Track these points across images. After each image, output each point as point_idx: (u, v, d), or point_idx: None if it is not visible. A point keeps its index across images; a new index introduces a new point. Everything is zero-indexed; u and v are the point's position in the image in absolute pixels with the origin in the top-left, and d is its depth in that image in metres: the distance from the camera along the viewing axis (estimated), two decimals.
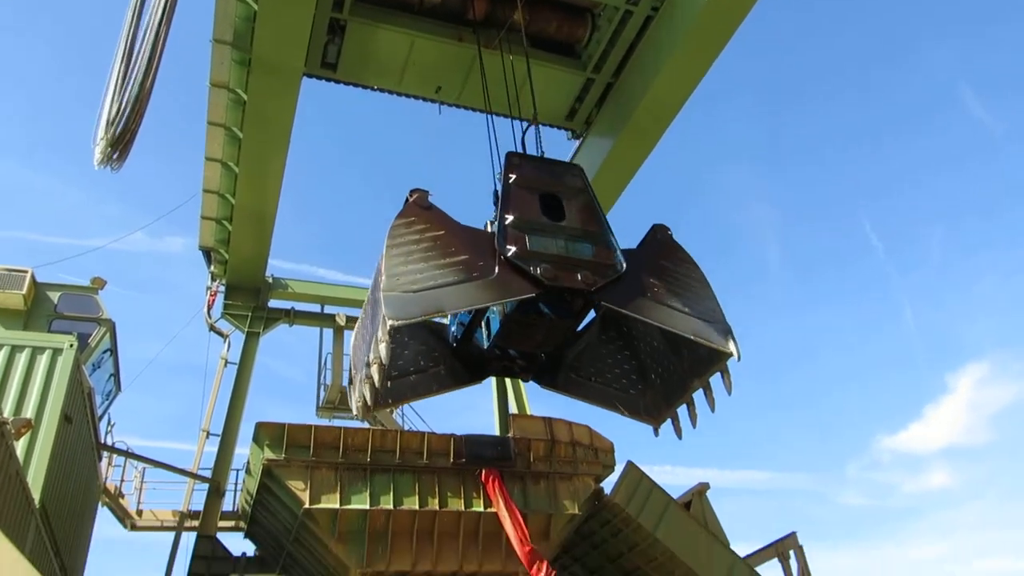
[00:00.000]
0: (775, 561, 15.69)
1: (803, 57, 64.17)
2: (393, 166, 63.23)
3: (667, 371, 8.22)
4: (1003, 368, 61.40)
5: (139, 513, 17.20)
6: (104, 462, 16.17)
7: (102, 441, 15.23)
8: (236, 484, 17.22)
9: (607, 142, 14.61)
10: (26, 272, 14.07)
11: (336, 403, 18.50)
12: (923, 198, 63.09)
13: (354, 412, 7.16)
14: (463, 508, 12.29)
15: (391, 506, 11.92)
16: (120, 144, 10.04)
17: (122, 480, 17.31)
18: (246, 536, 15.37)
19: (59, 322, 14.12)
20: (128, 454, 16.86)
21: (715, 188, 64.87)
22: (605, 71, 14.05)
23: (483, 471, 12.54)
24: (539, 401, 19.51)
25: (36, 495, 9.44)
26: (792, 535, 15.72)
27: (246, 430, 17.64)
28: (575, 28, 13.49)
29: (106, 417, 16.71)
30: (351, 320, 19.51)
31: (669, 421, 8.22)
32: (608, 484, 14.30)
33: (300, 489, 11.85)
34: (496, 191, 7.65)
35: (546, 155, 9.90)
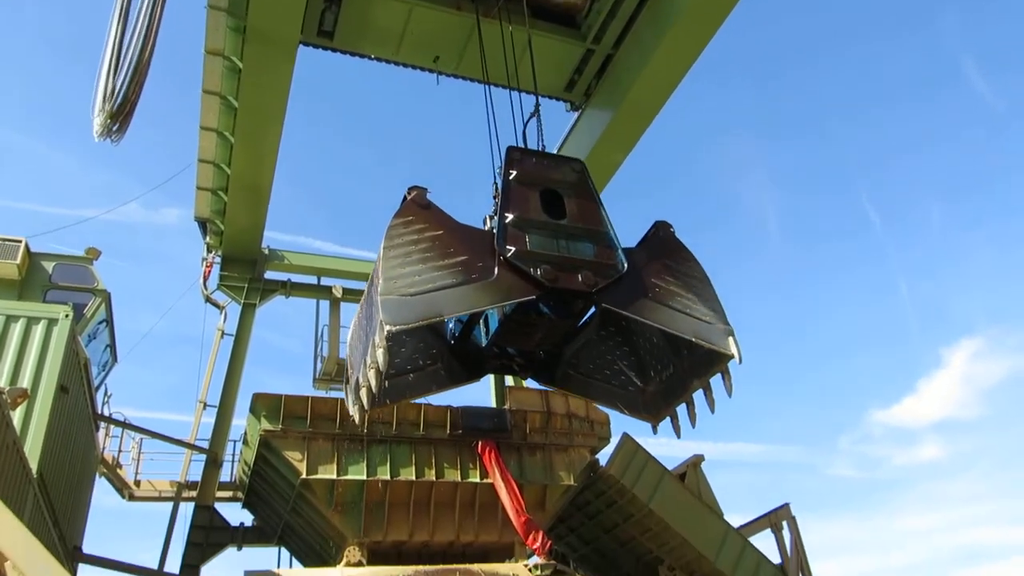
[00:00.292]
0: (768, 532, 15.86)
1: (805, 27, 63.64)
2: (392, 137, 62.82)
3: (667, 370, 8.24)
4: (997, 343, 61.81)
5: (137, 483, 17.28)
6: (101, 433, 16.20)
7: (99, 412, 15.25)
8: (234, 455, 17.31)
9: (606, 114, 14.50)
10: (20, 242, 13.98)
11: (333, 375, 18.53)
12: (922, 172, 63.00)
13: (351, 412, 7.13)
14: (460, 479, 12.38)
15: (388, 477, 12.00)
16: (120, 116, 9.93)
17: (119, 451, 17.38)
18: (244, 506, 15.48)
19: (54, 292, 14.06)
20: (125, 425, 16.90)
21: (714, 158, 64.68)
22: (605, 42, 13.89)
23: (479, 442, 12.62)
24: None
25: (33, 465, 9.46)
26: (785, 506, 15.88)
27: (243, 401, 17.69)
28: None
29: (102, 388, 16.73)
30: (348, 292, 19.49)
31: (668, 420, 8.24)
32: (604, 456, 14.42)
33: (297, 460, 11.91)
34: (496, 184, 7.55)
35: (543, 126, 9.83)
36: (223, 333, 18.30)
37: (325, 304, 19.41)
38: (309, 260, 19.68)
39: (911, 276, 64.31)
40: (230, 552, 15.78)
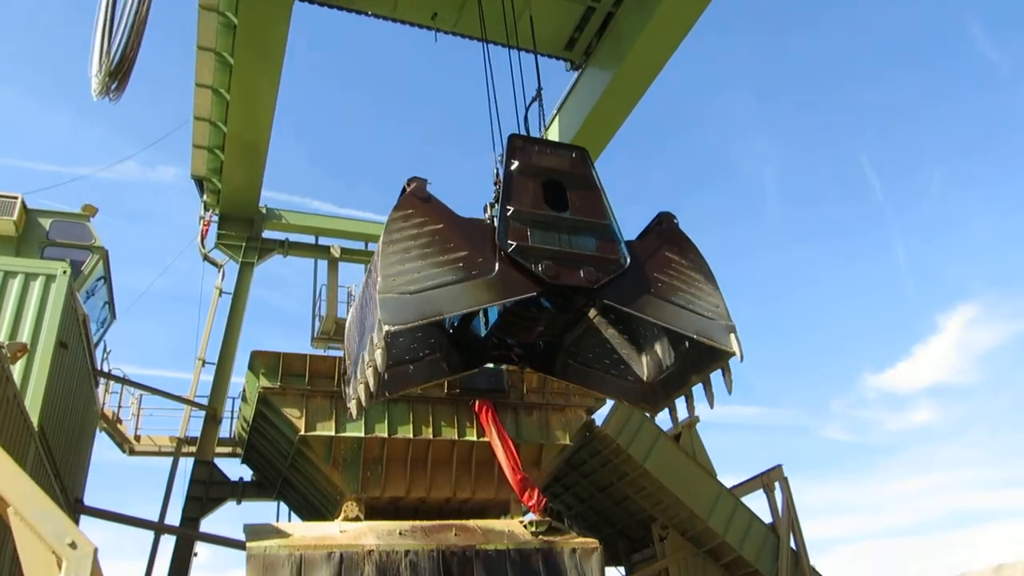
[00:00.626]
0: (761, 492, 16.10)
1: None
2: (394, 97, 62.13)
3: (668, 361, 8.26)
4: (993, 309, 62.03)
5: (137, 438, 17.46)
6: (101, 388, 16.32)
7: (98, 368, 15.34)
8: (232, 411, 17.48)
9: (607, 73, 14.34)
10: (16, 198, 13.90)
11: (331, 334, 18.61)
12: (924, 134, 62.48)
13: (349, 406, 7.13)
14: (456, 437, 12.51)
15: (386, 434, 12.13)
16: (119, 74, 9.85)
17: (119, 406, 17.53)
18: (243, 462, 15.68)
19: (51, 249, 14.02)
20: (125, 381, 17.02)
21: (714, 117, 64.07)
22: (606, 0, 13.70)
23: (477, 401, 12.72)
24: None
25: (34, 418, 9.55)
26: (777, 467, 16.09)
27: (242, 359, 17.77)
28: None
29: (102, 344, 16.80)
30: (346, 252, 19.49)
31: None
32: (600, 416, 14.56)
33: (296, 417, 12.03)
34: (497, 171, 7.44)
35: (543, 87, 9.71)
36: (221, 291, 18.34)
37: (323, 264, 19.43)
38: (307, 220, 19.63)
39: (909, 240, 64.27)
40: (230, 506, 16.04)
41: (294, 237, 19.17)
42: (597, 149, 15.96)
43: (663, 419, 13.60)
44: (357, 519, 11.36)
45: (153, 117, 56.19)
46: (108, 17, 9.93)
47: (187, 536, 14.88)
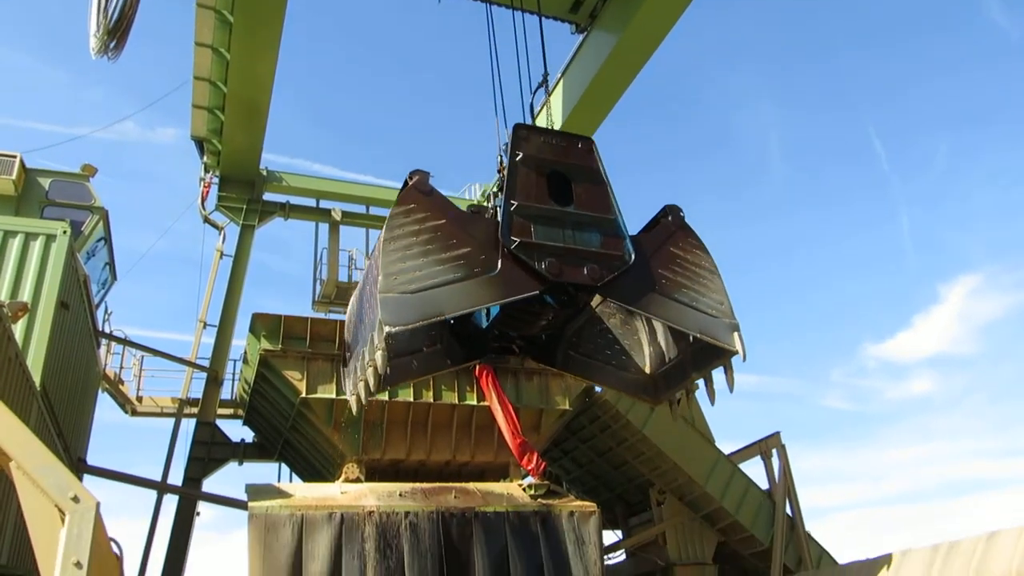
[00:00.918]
0: (758, 459, 16.21)
1: None
2: (395, 60, 61.39)
3: (670, 355, 8.22)
4: (995, 280, 61.86)
5: (139, 399, 17.56)
6: (103, 349, 16.37)
7: (99, 329, 15.36)
8: (234, 373, 17.55)
9: (612, 37, 14.13)
10: (14, 157, 13.79)
11: (332, 297, 18.62)
12: (932, 103, 61.70)
13: (348, 398, 7.09)
14: (457, 401, 12.57)
15: (386, 397, 12.18)
16: (117, 33, 9.71)
17: (121, 367, 17.61)
18: (244, 423, 15.78)
19: (51, 209, 13.94)
20: (126, 342, 17.07)
21: (718, 82, 63.21)
22: None
23: (477, 366, 12.76)
24: None
25: (36, 378, 9.57)
26: (775, 435, 16.18)
27: (243, 322, 17.80)
28: None
29: (103, 306, 16.80)
30: (347, 215, 19.42)
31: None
32: None
33: (297, 379, 12.07)
34: (500, 158, 7.29)
35: (546, 50, 9.54)
36: (222, 254, 18.31)
37: (324, 227, 19.37)
38: (308, 182, 19.52)
39: (913, 209, 63.86)
40: (231, 467, 16.20)
41: (295, 200, 19.09)
42: (600, 114, 15.80)
43: None
44: (358, 481, 11.45)
45: (152, 77, 55.58)
46: None
47: (189, 496, 15.05)
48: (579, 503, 11.56)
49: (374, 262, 6.34)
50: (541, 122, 15.21)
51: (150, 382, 18.10)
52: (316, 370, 12.24)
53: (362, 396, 6.71)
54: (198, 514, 15.29)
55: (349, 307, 7.75)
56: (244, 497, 10.51)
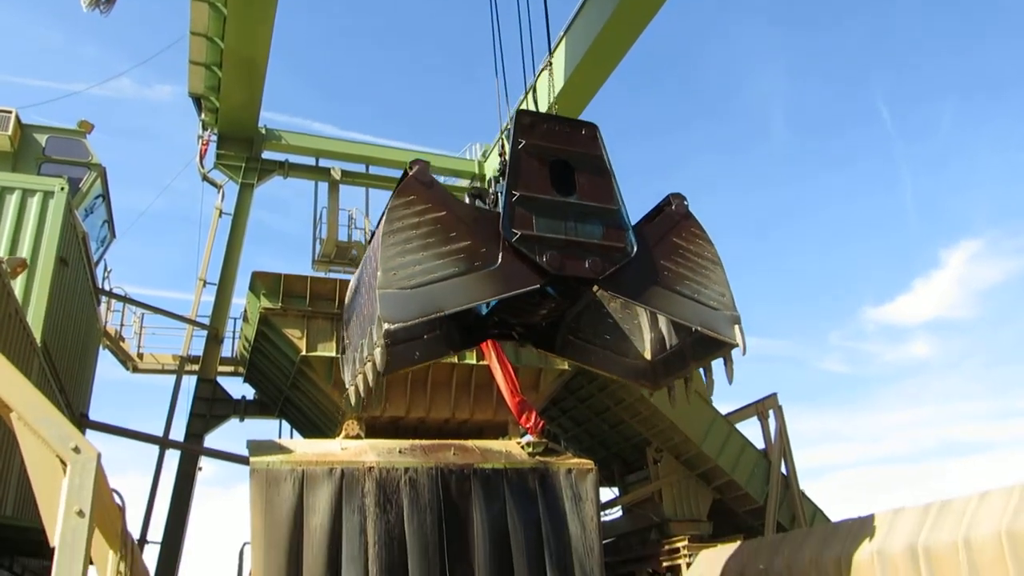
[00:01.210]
0: (755, 419, 16.36)
1: None
2: (394, 21, 60.42)
3: (670, 342, 8.20)
4: (996, 245, 61.73)
5: (140, 356, 17.66)
6: (103, 307, 16.41)
7: (99, 286, 15.38)
8: (234, 331, 17.62)
9: None
10: (10, 112, 13.65)
11: (331, 256, 18.61)
12: (940, 69, 60.89)
13: (348, 391, 7.06)
14: (456, 360, 12.63)
15: None
16: None
17: (121, 325, 17.66)
18: (245, 380, 15.89)
19: (48, 165, 13.85)
20: (126, 299, 17.12)
21: (724, 43, 62.30)
22: None
23: None
24: None
25: (37, 334, 9.61)
26: (772, 396, 16.31)
27: (243, 280, 17.81)
28: None
29: (102, 263, 16.80)
30: (346, 174, 19.29)
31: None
32: None
33: (297, 337, 12.12)
34: (503, 143, 7.14)
35: (548, 7, 9.36)
36: (221, 212, 18.24)
37: (324, 186, 19.26)
38: (307, 141, 19.35)
39: (916, 173, 63.44)
40: (232, 423, 16.37)
41: (294, 158, 18.94)
42: (602, 75, 15.60)
43: None
44: (358, 437, 11.57)
45: (148, 34, 54.78)
46: None
47: (191, 451, 15.23)
48: (577, 461, 11.68)
49: (373, 253, 6.25)
50: (542, 82, 15.02)
51: (151, 339, 18.25)
52: (316, 328, 12.29)
53: (360, 390, 6.74)
54: (200, 469, 15.48)
55: (348, 290, 7.70)
56: (245, 453, 10.63)
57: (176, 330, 18.17)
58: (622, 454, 17.08)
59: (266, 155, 18.42)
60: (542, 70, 14.84)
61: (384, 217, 6.16)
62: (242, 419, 16.33)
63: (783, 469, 15.76)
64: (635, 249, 6.78)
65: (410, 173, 6.40)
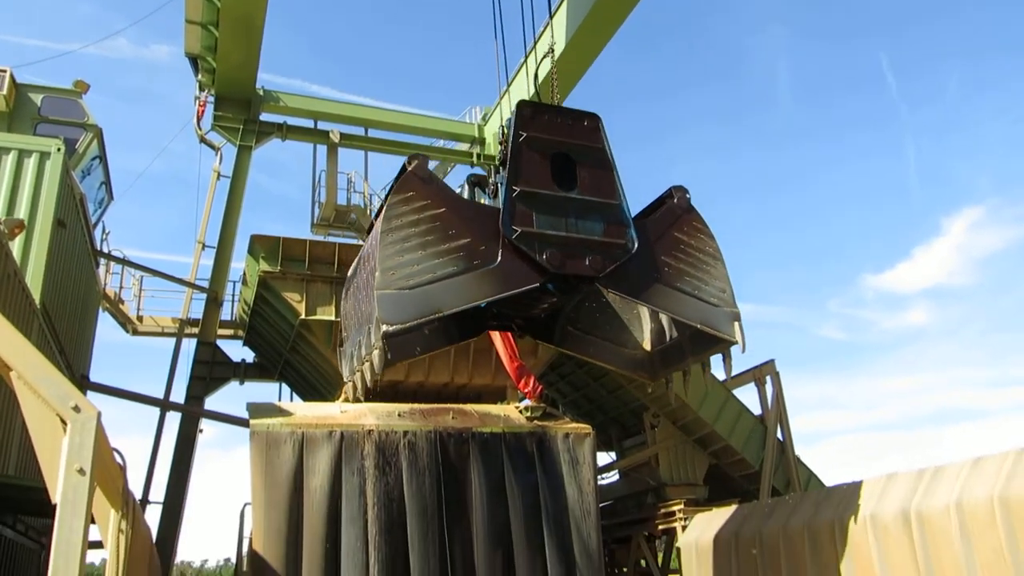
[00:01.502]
0: (752, 386, 16.46)
1: None
2: None
3: (669, 335, 8.17)
4: (998, 213, 61.68)
5: (140, 319, 17.70)
6: (102, 269, 16.40)
7: (98, 248, 15.35)
8: (233, 295, 17.64)
9: None
10: (4, 71, 13.47)
11: (330, 220, 18.54)
12: (945, 33, 60.13)
13: (346, 386, 7.05)
14: None
15: None
16: None
17: (121, 287, 17.67)
18: (245, 344, 15.94)
19: (44, 126, 13.70)
20: (125, 262, 17.09)
21: (730, 8, 61.49)
22: None
23: None
24: None
25: (36, 296, 9.61)
26: (770, 362, 16.39)
27: (241, 244, 17.78)
28: None
29: (100, 225, 16.74)
30: (345, 137, 19.12)
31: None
32: None
33: (296, 301, 12.13)
34: (503, 131, 7.00)
35: None
36: (219, 175, 18.14)
37: (322, 149, 19.11)
38: (306, 103, 19.15)
39: (920, 140, 63.13)
40: (232, 386, 16.47)
41: (292, 121, 18.76)
42: (605, 36, 15.38)
43: None
44: (357, 401, 11.62)
45: None
46: None
47: (192, 413, 15.33)
48: (574, 425, 11.76)
49: (371, 251, 6.19)
50: (543, 43, 14.81)
51: (150, 302, 18.26)
52: (315, 292, 12.29)
53: (359, 388, 6.78)
54: (201, 431, 15.60)
55: (348, 276, 7.66)
56: (246, 415, 10.70)
57: (175, 293, 18.21)
58: (620, 419, 17.21)
59: (264, 117, 18.25)
60: (542, 32, 14.64)
61: (382, 214, 6.09)
62: (242, 382, 16.42)
63: (779, 435, 15.89)
64: (636, 245, 6.75)
65: (408, 168, 6.31)
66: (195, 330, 16.66)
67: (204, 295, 16.69)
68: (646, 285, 6.81)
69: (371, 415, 10.90)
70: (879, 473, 8.79)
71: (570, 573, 10.34)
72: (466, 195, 7.57)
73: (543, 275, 6.29)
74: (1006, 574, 6.57)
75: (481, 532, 9.92)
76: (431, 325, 7.61)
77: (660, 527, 14.51)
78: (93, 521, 3.86)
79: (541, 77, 15.22)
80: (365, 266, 6.47)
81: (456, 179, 22.72)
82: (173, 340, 16.92)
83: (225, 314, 17.20)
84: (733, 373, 16.69)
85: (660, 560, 15.95)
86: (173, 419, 15.50)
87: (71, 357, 11.99)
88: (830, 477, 15.75)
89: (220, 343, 16.56)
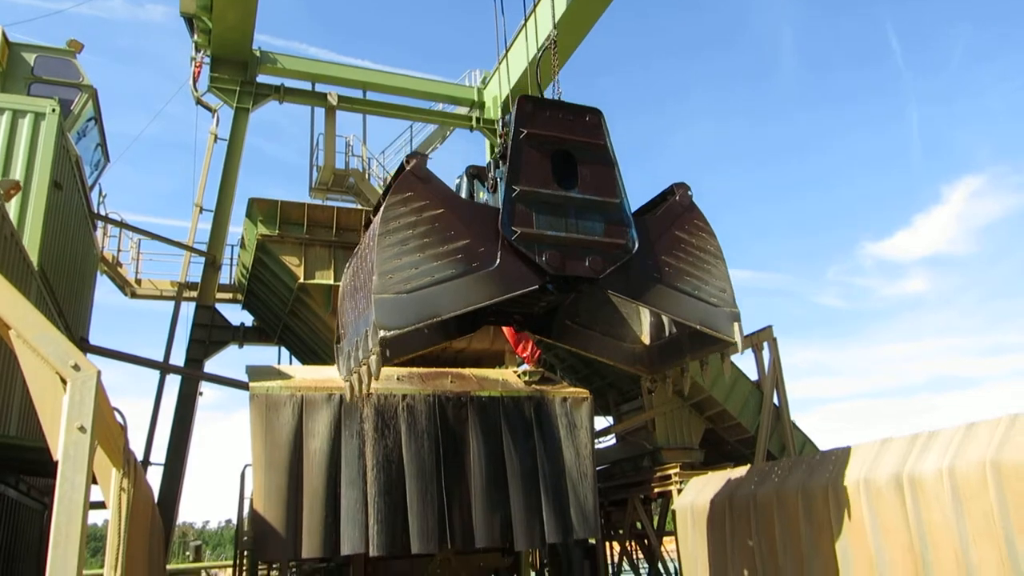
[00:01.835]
0: (749, 351, 16.52)
1: None
2: None
3: (669, 330, 8.14)
4: (999, 181, 61.40)
5: (138, 282, 17.69)
6: (99, 232, 16.34)
7: (95, 211, 15.28)
8: (232, 258, 17.61)
9: None
10: None
11: (329, 184, 18.45)
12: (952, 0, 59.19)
13: (343, 385, 7.03)
14: None
15: None
16: None
17: (119, 250, 17.63)
18: (244, 308, 15.97)
19: (37, 86, 13.53)
20: (122, 224, 17.02)
21: None
22: None
23: None
24: None
25: (34, 258, 9.60)
26: (767, 328, 16.41)
27: (239, 209, 17.69)
28: None
29: (97, 188, 16.64)
30: (344, 100, 18.94)
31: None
32: None
33: (295, 265, 12.12)
34: (503, 122, 6.91)
35: None
36: (216, 137, 17.99)
37: (320, 112, 18.94)
38: (303, 65, 18.91)
39: (924, 107, 62.62)
40: (232, 350, 16.54)
41: (290, 83, 18.56)
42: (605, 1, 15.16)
43: None
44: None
45: None
46: None
47: (191, 376, 15.41)
48: (572, 389, 11.85)
49: (368, 252, 6.14)
50: (543, 6, 14.60)
51: (148, 265, 18.21)
52: (314, 256, 12.27)
53: (356, 389, 6.80)
54: (201, 394, 15.71)
55: (345, 270, 7.62)
56: (245, 379, 10.76)
57: (174, 256, 18.21)
58: (617, 384, 17.32)
59: (261, 79, 18.04)
60: None
61: (380, 215, 6.03)
62: (241, 345, 16.48)
63: (775, 400, 16.00)
64: (636, 246, 6.72)
65: (407, 168, 6.23)
66: (194, 293, 16.68)
67: (202, 259, 16.67)
68: (646, 286, 6.81)
69: None
70: (874, 438, 8.86)
71: (567, 534, 10.51)
72: (464, 187, 7.52)
73: (543, 277, 6.27)
74: (996, 537, 6.66)
75: (479, 494, 10.05)
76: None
77: (656, 490, 14.68)
78: (95, 481, 3.90)
79: (541, 39, 15.03)
80: (362, 265, 6.45)
81: (454, 143, 22.54)
82: (172, 303, 16.94)
83: (224, 278, 17.20)
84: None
85: (655, 522, 16.19)
86: (173, 382, 15.61)
87: (70, 319, 12.00)
88: (825, 443, 15.93)
89: (219, 307, 16.60)
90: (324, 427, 9.74)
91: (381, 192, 6.58)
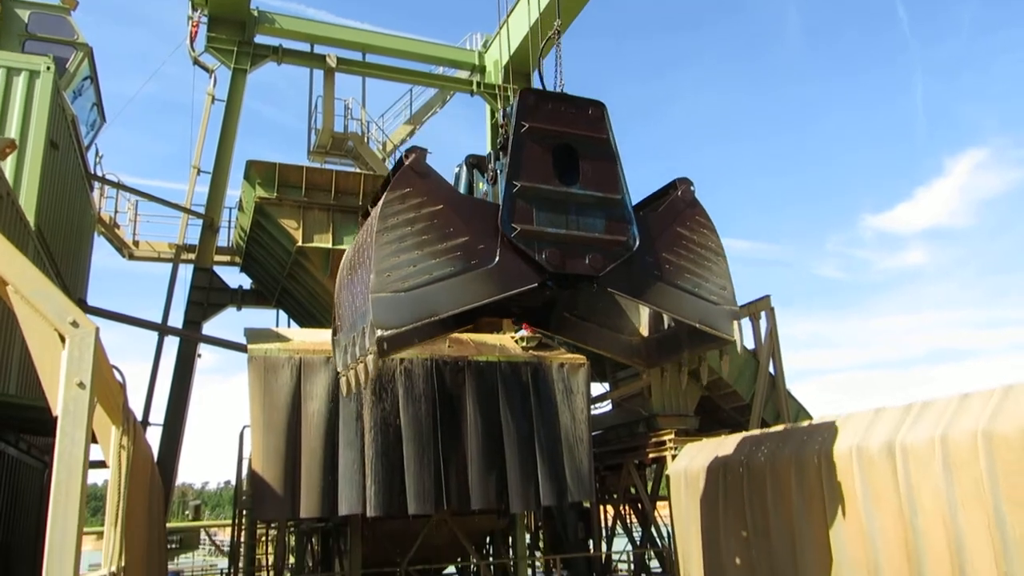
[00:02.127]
0: (747, 320, 16.55)
1: None
2: None
3: (668, 324, 8.10)
4: (1002, 154, 61.08)
5: (136, 244, 17.64)
6: (96, 193, 16.24)
7: (91, 172, 15.17)
8: (230, 221, 17.54)
9: None
10: None
11: (327, 147, 18.30)
12: None
13: (340, 376, 6.98)
14: None
15: None
16: None
17: (116, 211, 17.54)
18: (242, 270, 15.96)
19: (32, 43, 13.33)
20: (119, 185, 16.91)
21: None
22: None
23: None
24: None
25: (31, 218, 9.55)
26: (765, 298, 16.43)
27: (237, 172, 17.55)
28: None
29: (93, 148, 16.50)
30: (342, 62, 18.71)
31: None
32: None
33: (293, 228, 12.09)
34: (504, 113, 6.77)
35: None
36: (214, 98, 17.80)
37: (319, 74, 18.72)
38: (302, 25, 18.65)
39: (929, 79, 61.98)
40: (230, 312, 16.55)
41: (288, 44, 18.31)
42: None
43: None
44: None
45: None
46: None
47: (190, 337, 15.44)
48: (569, 356, 11.91)
49: (366, 249, 6.05)
50: None
51: (145, 227, 18.14)
52: (312, 219, 12.24)
53: (352, 384, 6.78)
54: (199, 356, 15.76)
55: (342, 262, 7.56)
56: (244, 341, 10.80)
57: (171, 218, 18.11)
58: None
59: (259, 39, 17.80)
60: None
61: (378, 211, 5.94)
62: (239, 308, 16.50)
63: (771, 369, 16.09)
64: (637, 243, 6.64)
65: (406, 162, 6.13)
66: (192, 256, 16.64)
67: (200, 221, 16.60)
68: (646, 283, 6.75)
69: None
70: (868, 408, 8.93)
71: (562, 496, 10.64)
72: (463, 177, 7.42)
73: (542, 275, 6.21)
74: (984, 506, 6.75)
75: (475, 456, 10.16)
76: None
77: (651, 455, 14.82)
78: (94, 439, 3.93)
79: (543, 3, 14.83)
80: (360, 260, 6.37)
81: (454, 108, 22.31)
82: (170, 266, 16.91)
83: (222, 240, 17.15)
84: None
85: (649, 487, 16.37)
86: (172, 344, 15.64)
87: (68, 280, 12.00)
88: (821, 414, 16.03)
89: (217, 269, 16.57)
90: (322, 389, 9.80)
91: (379, 188, 6.51)
